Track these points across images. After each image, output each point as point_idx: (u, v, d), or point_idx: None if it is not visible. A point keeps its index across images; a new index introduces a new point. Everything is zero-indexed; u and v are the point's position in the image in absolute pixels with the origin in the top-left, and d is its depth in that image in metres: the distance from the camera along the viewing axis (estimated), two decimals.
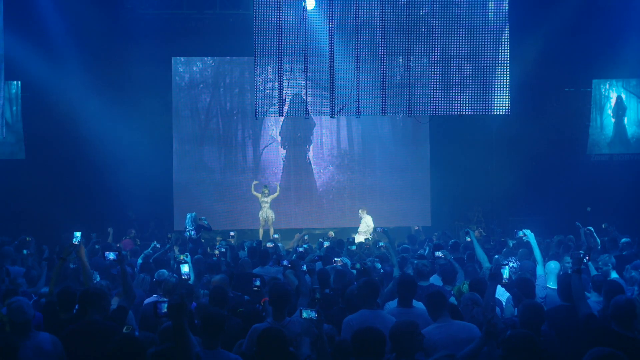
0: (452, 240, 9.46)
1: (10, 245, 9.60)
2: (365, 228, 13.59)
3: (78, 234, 5.97)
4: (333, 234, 13.11)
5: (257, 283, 5.63)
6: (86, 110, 14.14)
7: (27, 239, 9.73)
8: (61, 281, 5.75)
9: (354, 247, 9.03)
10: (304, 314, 4.13)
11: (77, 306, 5.16)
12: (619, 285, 5.37)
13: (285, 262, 6.76)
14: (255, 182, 14.88)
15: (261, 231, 14.40)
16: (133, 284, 6.04)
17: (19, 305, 4.42)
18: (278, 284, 5.39)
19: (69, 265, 6.60)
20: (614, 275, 6.83)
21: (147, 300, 5.99)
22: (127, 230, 13.13)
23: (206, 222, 11.92)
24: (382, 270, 7.25)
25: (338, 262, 7.20)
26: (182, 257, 7.08)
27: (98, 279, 6.58)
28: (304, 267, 6.30)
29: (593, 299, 5.67)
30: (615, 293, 4.84)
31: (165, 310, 3.89)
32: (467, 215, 15.50)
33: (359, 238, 12.71)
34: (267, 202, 14.43)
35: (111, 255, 5.53)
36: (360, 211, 14.17)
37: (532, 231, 7.15)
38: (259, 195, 14.53)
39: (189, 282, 6.22)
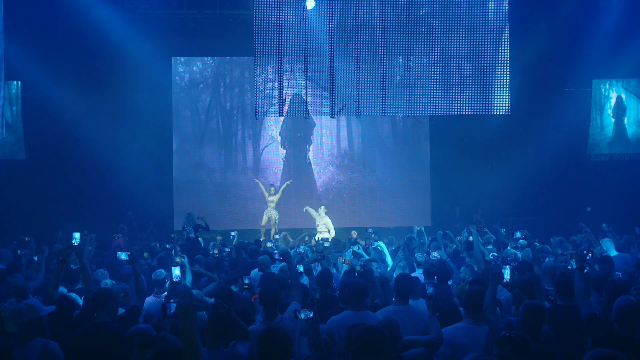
0: (454, 246, 9.45)
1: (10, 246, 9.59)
2: (325, 228, 13.31)
3: (77, 235, 5.93)
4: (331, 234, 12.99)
5: (247, 281, 5.59)
6: (86, 110, 14.13)
7: (26, 239, 9.70)
8: (61, 283, 5.73)
9: (355, 247, 9.05)
10: (301, 315, 4.13)
11: (76, 312, 5.16)
12: (621, 285, 5.37)
13: (276, 256, 6.76)
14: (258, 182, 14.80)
15: (263, 230, 14.39)
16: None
17: (17, 308, 4.34)
18: (266, 284, 5.38)
19: (70, 267, 6.57)
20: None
21: (146, 301, 5.99)
22: (119, 226, 13.01)
23: (204, 222, 11.91)
24: (379, 271, 7.26)
25: (347, 262, 7.20)
26: (177, 259, 7.06)
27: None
28: (301, 268, 6.31)
29: (592, 298, 5.66)
30: (618, 293, 4.83)
31: (174, 311, 3.84)
32: (467, 216, 15.49)
33: (322, 236, 12.68)
34: (273, 202, 14.40)
35: (123, 256, 5.54)
36: (322, 208, 13.68)
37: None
38: (266, 194, 14.49)
39: (182, 284, 6.19)
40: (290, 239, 11.32)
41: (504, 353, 3.67)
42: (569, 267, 7.13)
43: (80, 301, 5.81)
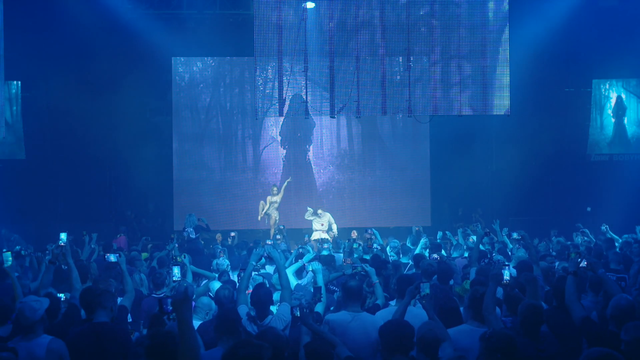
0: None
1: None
2: (326, 226, 13.31)
3: (63, 235, 5.91)
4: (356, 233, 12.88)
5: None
6: (86, 110, 14.15)
7: (23, 252, 9.64)
8: (49, 284, 5.74)
9: (356, 245, 9.04)
10: (296, 312, 4.34)
11: (62, 310, 5.17)
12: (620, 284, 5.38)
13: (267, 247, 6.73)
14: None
15: (261, 211, 14.49)
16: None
17: (21, 307, 4.44)
18: (258, 286, 5.36)
19: (62, 267, 6.56)
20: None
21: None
22: (120, 228, 13.07)
23: (205, 223, 11.93)
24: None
25: (347, 261, 7.20)
26: (179, 258, 7.09)
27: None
28: (309, 267, 6.31)
29: (589, 299, 5.66)
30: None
31: (171, 306, 3.94)
32: (467, 215, 15.49)
33: (322, 235, 12.70)
34: (276, 202, 14.39)
35: (112, 257, 5.65)
36: (319, 211, 13.79)
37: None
38: (268, 197, 14.50)
39: (180, 283, 6.20)
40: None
41: (489, 353, 3.65)
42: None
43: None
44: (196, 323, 5.28)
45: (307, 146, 16.07)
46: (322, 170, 16.16)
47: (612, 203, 14.28)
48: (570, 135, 15.66)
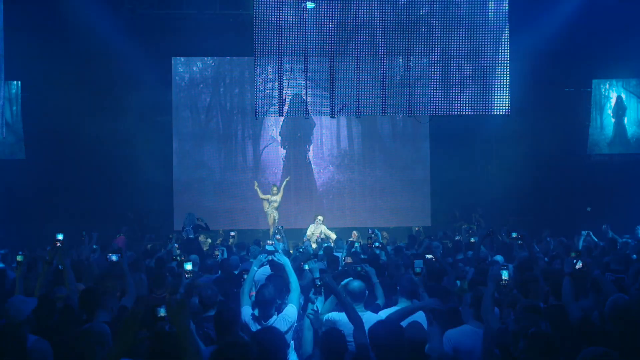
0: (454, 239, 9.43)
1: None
2: (322, 236, 13.23)
3: (60, 236, 5.89)
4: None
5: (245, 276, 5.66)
6: (86, 110, 14.15)
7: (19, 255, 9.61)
8: (47, 285, 5.73)
9: (357, 244, 9.03)
10: (317, 282, 4.70)
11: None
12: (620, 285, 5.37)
13: (268, 247, 6.70)
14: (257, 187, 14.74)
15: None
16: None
17: (6, 307, 4.45)
18: (263, 286, 5.37)
19: (59, 268, 6.56)
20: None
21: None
22: (121, 227, 13.09)
23: (204, 222, 11.93)
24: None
25: (348, 260, 7.21)
26: (179, 259, 7.10)
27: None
28: (306, 266, 6.31)
29: (591, 298, 5.66)
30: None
31: (164, 313, 3.56)
32: (466, 216, 15.48)
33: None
34: (276, 202, 14.38)
35: (114, 257, 5.63)
36: (319, 218, 13.59)
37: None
38: (267, 196, 14.48)
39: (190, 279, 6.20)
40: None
41: (531, 351, 3.63)
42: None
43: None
44: None
45: (307, 146, 16.07)
46: (322, 170, 16.16)
47: (612, 203, 14.29)
48: (570, 135, 15.65)
